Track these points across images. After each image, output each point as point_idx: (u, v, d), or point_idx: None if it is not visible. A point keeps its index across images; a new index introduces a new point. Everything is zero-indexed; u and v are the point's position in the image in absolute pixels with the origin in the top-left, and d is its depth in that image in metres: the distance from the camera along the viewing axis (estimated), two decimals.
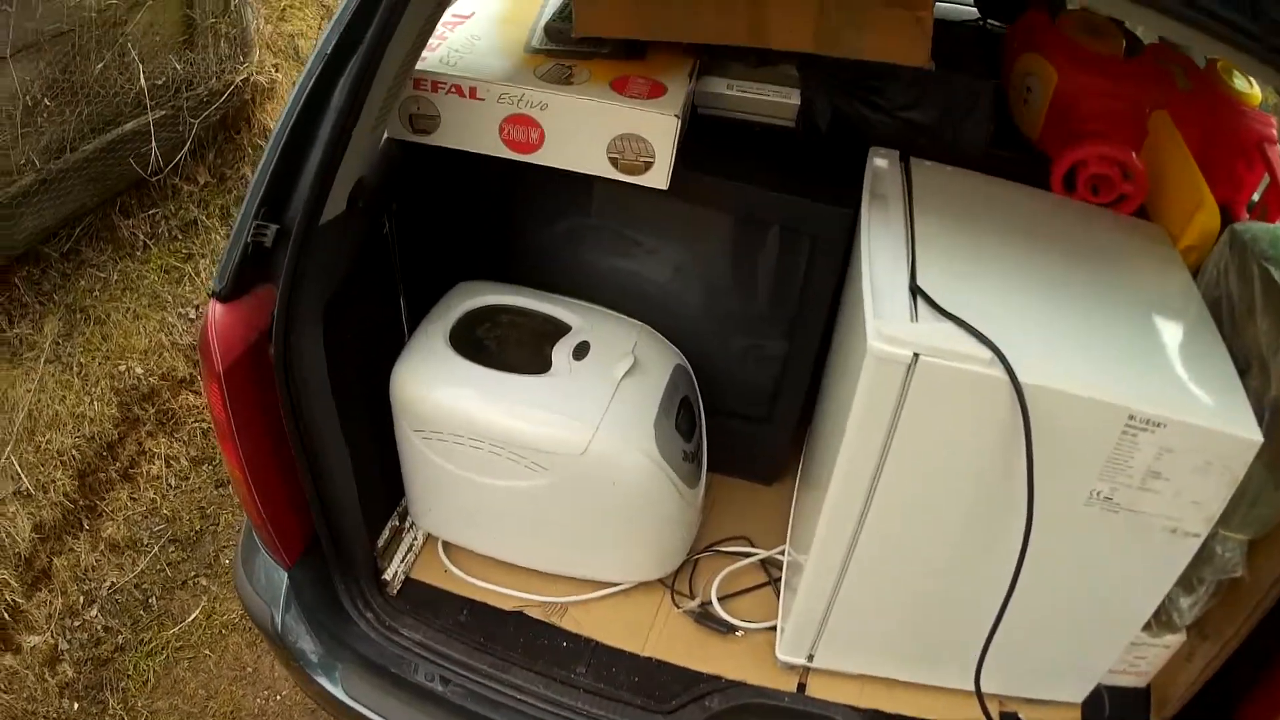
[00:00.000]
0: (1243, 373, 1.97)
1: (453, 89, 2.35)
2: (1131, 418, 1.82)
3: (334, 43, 2.03)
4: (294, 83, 2.10)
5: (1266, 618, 2.10)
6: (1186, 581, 2.15)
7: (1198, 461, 1.85)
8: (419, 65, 2.32)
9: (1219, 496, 1.90)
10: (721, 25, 2.37)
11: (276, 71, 5.02)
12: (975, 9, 3.39)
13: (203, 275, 4.50)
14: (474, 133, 2.39)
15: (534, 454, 2.32)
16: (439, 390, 2.36)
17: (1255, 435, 1.81)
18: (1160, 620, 2.26)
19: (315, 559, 2.39)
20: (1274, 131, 2.55)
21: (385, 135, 2.40)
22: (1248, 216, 2.54)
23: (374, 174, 2.29)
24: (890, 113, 2.53)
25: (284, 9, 5.56)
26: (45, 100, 3.76)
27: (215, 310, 2.02)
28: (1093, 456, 1.89)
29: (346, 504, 2.33)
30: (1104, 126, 2.49)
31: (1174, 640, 2.33)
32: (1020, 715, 2.36)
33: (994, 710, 2.22)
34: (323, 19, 5.61)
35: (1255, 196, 2.60)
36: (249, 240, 1.99)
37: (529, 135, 2.36)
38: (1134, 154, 2.42)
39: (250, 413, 2.11)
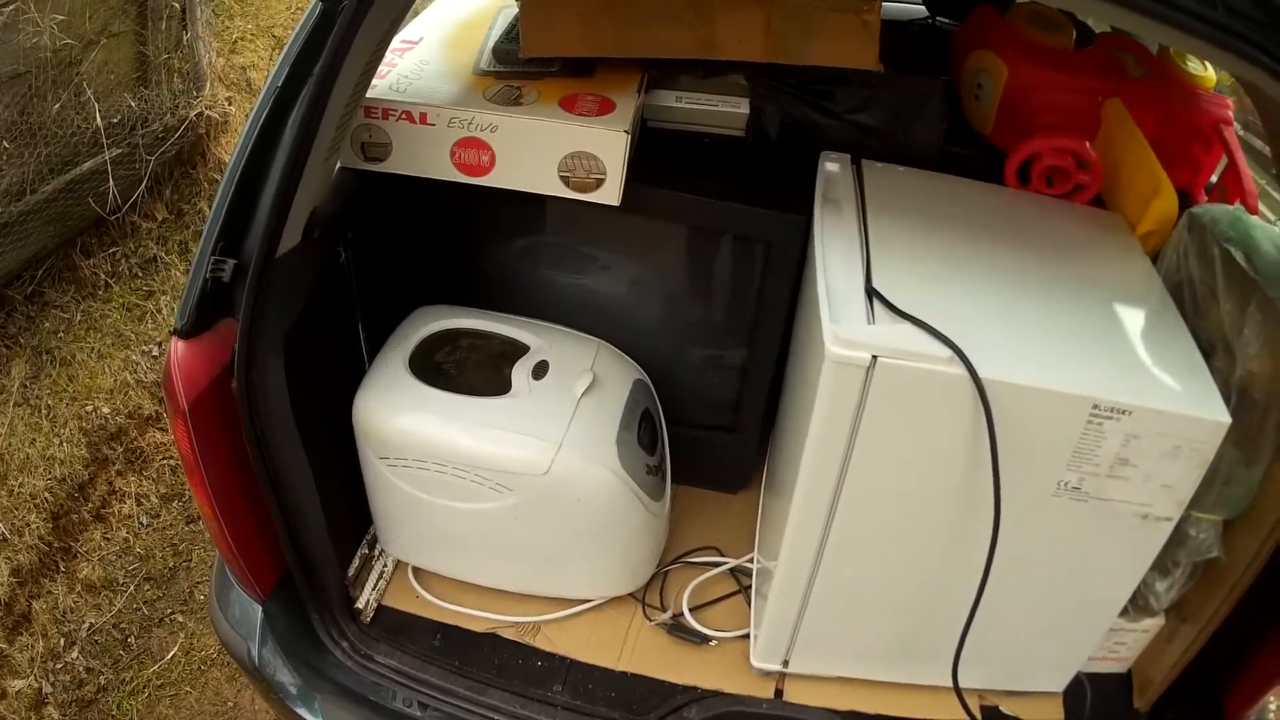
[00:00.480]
0: (1207, 355, 1.99)
1: (403, 115, 2.34)
2: (1096, 407, 1.83)
3: (284, 75, 2.03)
4: (247, 115, 2.10)
5: (1245, 598, 2.11)
6: (1162, 565, 2.16)
7: (1166, 446, 1.85)
8: (369, 93, 2.32)
9: (1189, 479, 1.91)
10: (669, 39, 2.38)
11: (230, 105, 5.02)
12: (924, 7, 3.40)
13: (164, 312, 4.50)
14: (426, 158, 2.38)
15: (498, 475, 2.31)
16: (401, 417, 2.35)
17: (1223, 417, 1.83)
18: (1138, 605, 2.27)
19: (288, 591, 2.38)
20: (1230, 113, 2.57)
21: (338, 165, 2.39)
22: (1206, 199, 2.54)
23: (328, 204, 2.28)
24: (840, 117, 2.53)
25: (235, 41, 5.57)
26: (4, 143, 3.77)
27: (177, 347, 2.01)
28: (1059, 448, 1.89)
29: (315, 534, 2.32)
30: (1057, 118, 2.51)
31: (1153, 624, 2.34)
32: (1001, 708, 2.37)
33: (975, 705, 2.22)
34: (274, 50, 5.62)
35: (1213, 178, 2.61)
36: (208, 276, 1.99)
37: (480, 158, 2.35)
38: (1088, 143, 2.42)
39: (217, 448, 2.11)
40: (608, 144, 2.28)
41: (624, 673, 2.46)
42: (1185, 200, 2.34)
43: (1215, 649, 2.21)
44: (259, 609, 2.37)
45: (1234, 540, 2.13)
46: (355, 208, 2.43)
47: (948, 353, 1.82)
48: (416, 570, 2.65)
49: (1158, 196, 2.29)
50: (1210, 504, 2.07)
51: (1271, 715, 2.13)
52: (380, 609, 2.57)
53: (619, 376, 2.56)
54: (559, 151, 2.30)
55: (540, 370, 2.44)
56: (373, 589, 2.58)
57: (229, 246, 2.02)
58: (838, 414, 1.91)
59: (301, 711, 2.33)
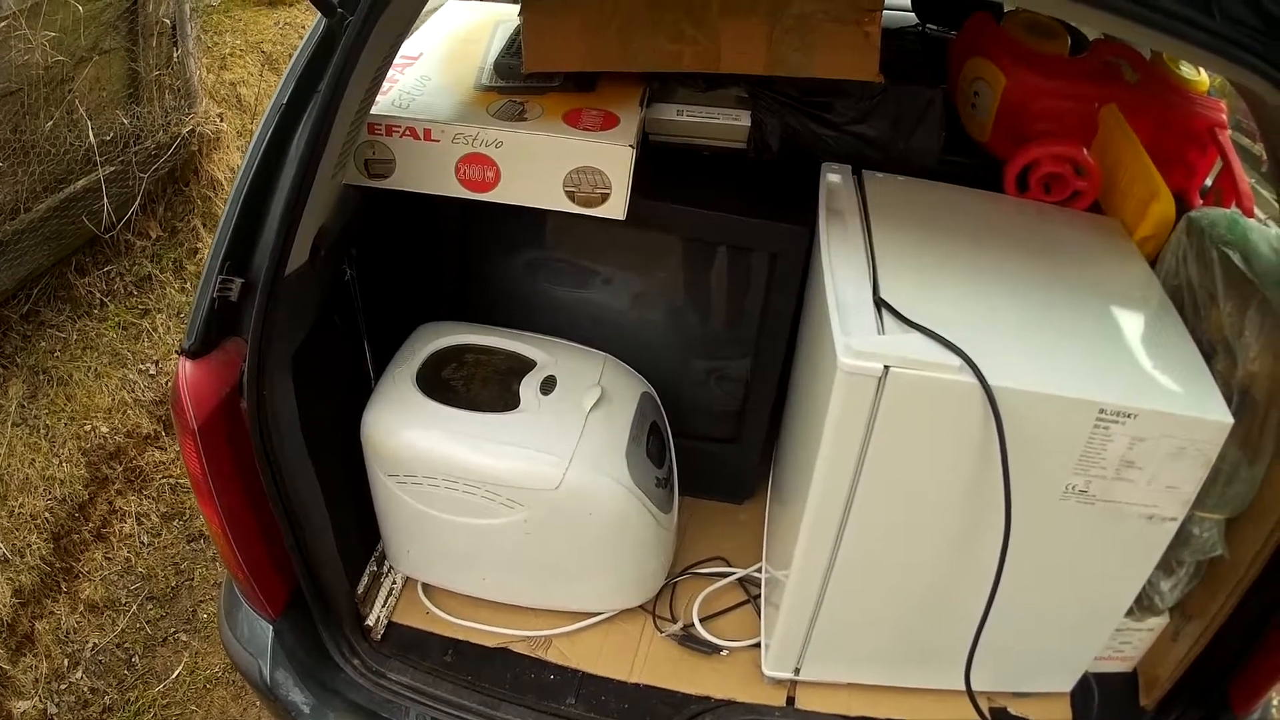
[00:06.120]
0: (1208, 357, 2.01)
1: (407, 132, 2.34)
2: (1102, 411, 1.84)
3: (289, 92, 2.04)
4: (239, 131, 2.10)
5: (1248, 594, 2.13)
6: (1166, 564, 2.18)
7: (1170, 448, 1.87)
8: (372, 110, 2.31)
9: (1193, 480, 1.93)
10: (671, 53, 2.39)
11: (221, 121, 4.97)
12: (913, 15, 3.40)
13: (160, 330, 4.50)
14: (430, 174, 2.38)
15: (509, 491, 2.32)
16: (410, 433, 2.35)
17: (1225, 418, 1.85)
18: (1142, 604, 2.29)
19: (298, 610, 2.38)
20: (1224, 116, 2.58)
21: (342, 182, 2.39)
22: (1201, 202, 2.56)
23: (333, 221, 2.27)
24: (840, 128, 2.54)
25: (225, 57, 5.55)
26: None
27: (185, 367, 2.00)
28: (1066, 452, 1.91)
29: (325, 552, 2.31)
30: (1053, 125, 2.52)
31: (1157, 623, 2.36)
32: (1010, 710, 2.38)
33: (984, 706, 2.23)
34: (263, 65, 5.61)
35: (1208, 182, 2.62)
36: (215, 295, 1.98)
37: (485, 174, 2.35)
38: (1085, 150, 2.44)
39: (226, 467, 2.10)
40: (613, 159, 2.28)
41: (637, 684, 2.47)
42: (1181, 204, 2.35)
43: (1220, 646, 2.23)
44: (269, 628, 2.36)
45: (1237, 538, 2.15)
46: (359, 225, 2.43)
47: (958, 361, 1.83)
48: (426, 586, 2.64)
49: (1155, 201, 2.31)
50: (1213, 503, 2.09)
51: (1276, 710, 2.15)
52: (391, 626, 2.57)
53: (626, 390, 2.56)
54: (564, 166, 2.31)
55: (548, 385, 2.45)
56: (383, 606, 2.58)
57: (236, 265, 2.01)
58: (850, 424, 1.92)
59: None
